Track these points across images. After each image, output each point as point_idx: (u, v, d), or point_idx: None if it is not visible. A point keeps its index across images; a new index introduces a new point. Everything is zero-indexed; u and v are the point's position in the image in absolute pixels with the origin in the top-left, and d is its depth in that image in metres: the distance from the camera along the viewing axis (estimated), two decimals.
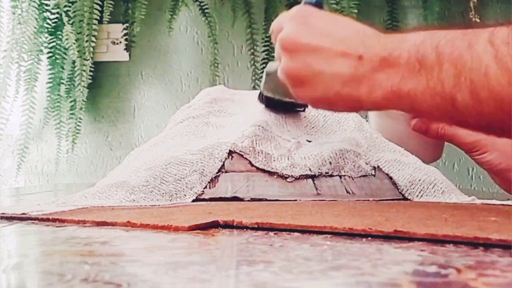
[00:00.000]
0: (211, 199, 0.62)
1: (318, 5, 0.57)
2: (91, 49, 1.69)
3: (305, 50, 0.51)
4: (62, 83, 1.75)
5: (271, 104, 0.72)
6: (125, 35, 1.77)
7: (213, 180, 0.63)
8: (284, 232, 0.39)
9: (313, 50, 0.50)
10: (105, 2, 1.68)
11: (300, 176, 0.65)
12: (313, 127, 0.73)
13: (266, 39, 1.71)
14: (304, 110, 0.74)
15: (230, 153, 0.65)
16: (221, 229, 0.41)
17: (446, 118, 0.46)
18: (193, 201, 0.61)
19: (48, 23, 1.74)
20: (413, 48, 0.45)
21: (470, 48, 0.42)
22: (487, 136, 0.77)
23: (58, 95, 1.75)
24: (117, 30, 1.78)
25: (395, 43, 0.47)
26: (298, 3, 0.58)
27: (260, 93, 0.73)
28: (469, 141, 0.78)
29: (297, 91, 0.53)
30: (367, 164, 0.68)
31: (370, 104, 0.49)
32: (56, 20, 1.74)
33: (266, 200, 0.62)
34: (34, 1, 1.68)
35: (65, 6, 1.69)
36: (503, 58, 0.40)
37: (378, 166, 0.68)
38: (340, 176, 0.66)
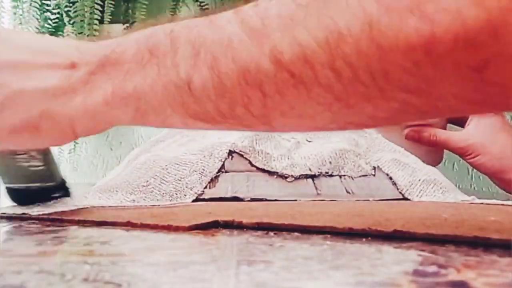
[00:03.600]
0: (211, 199, 0.62)
1: None
2: None
3: None
4: None
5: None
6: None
7: (213, 180, 0.63)
8: (284, 232, 0.39)
9: (8, 66, 0.40)
10: (105, 2, 1.68)
11: (300, 176, 0.65)
12: None
13: None
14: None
15: (230, 153, 0.65)
16: (221, 229, 0.41)
17: (183, 111, 0.36)
18: (193, 201, 0.61)
19: (49, 23, 1.74)
20: (142, 39, 0.37)
21: (212, 23, 0.35)
22: (479, 140, 0.78)
23: None
24: (117, 30, 1.78)
25: (120, 40, 0.39)
26: None
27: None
28: (461, 146, 0.79)
29: None
30: (367, 164, 0.69)
31: (89, 116, 0.38)
32: (57, 20, 1.74)
33: (266, 200, 0.62)
34: (35, 1, 1.68)
35: (66, 6, 1.69)
36: (250, 22, 0.33)
37: (378, 166, 0.69)
38: (340, 176, 0.67)
